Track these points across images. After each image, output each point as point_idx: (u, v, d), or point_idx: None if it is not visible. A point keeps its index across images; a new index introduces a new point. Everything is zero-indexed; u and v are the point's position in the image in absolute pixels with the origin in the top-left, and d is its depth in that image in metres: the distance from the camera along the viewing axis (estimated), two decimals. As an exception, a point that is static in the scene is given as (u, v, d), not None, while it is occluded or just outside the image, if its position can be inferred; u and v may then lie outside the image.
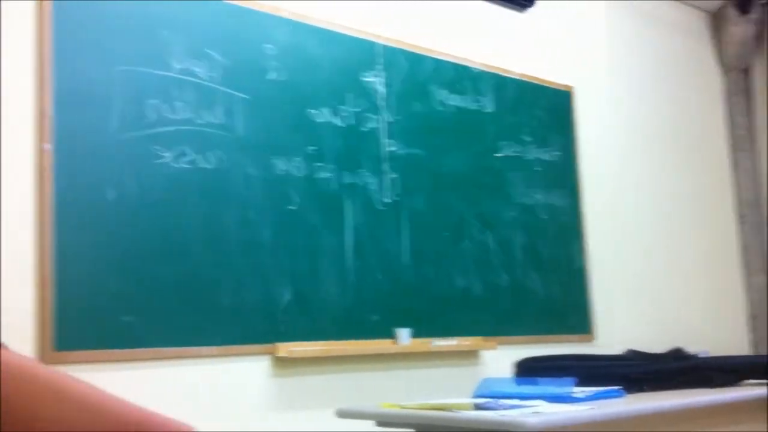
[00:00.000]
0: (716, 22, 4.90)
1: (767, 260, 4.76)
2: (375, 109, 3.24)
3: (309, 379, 2.93)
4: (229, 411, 2.70)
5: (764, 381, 2.89)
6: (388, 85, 3.29)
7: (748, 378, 2.85)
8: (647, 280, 4.21)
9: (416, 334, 3.19)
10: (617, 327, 3.88)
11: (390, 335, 3.14)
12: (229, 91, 2.81)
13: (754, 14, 4.76)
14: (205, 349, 2.64)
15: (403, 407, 2.36)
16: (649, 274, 4.23)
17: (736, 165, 4.86)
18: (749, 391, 2.71)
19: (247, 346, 2.74)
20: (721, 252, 4.70)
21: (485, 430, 2.07)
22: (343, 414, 2.36)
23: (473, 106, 3.60)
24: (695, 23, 4.86)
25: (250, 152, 2.84)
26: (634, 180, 4.28)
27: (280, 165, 2.92)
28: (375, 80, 3.25)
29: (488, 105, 3.65)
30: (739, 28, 4.76)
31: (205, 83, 2.76)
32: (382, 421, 2.32)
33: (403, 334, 3.16)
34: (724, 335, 4.46)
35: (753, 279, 4.73)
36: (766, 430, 2.93)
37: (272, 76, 2.95)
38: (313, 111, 3.05)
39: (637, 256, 4.19)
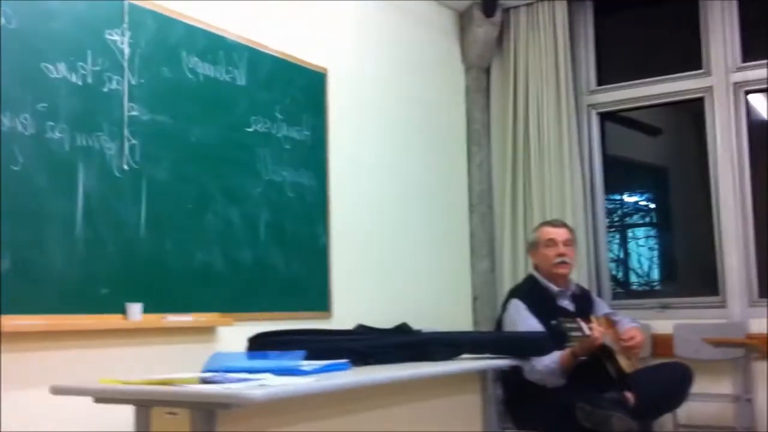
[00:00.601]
0: (463, 21, 5.21)
1: (490, 247, 5.18)
2: (118, 69, 3.07)
3: (30, 356, 2.72)
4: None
5: (479, 356, 3.15)
6: (133, 46, 3.12)
7: (465, 353, 3.08)
8: (385, 260, 4.40)
9: (150, 310, 3.07)
10: (354, 305, 4.01)
11: (121, 310, 3.00)
12: (-55, 32, 2.52)
13: (497, 17, 5.13)
14: None
15: (123, 382, 2.27)
16: (387, 255, 4.42)
17: (471, 158, 5.22)
18: (465, 364, 2.94)
19: (-46, 318, 2.49)
20: (453, 237, 5.03)
21: (210, 404, 2.04)
22: (57, 391, 2.22)
23: (225, 78, 3.53)
24: (444, 20, 5.14)
25: (-32, 103, 2.57)
26: (378, 164, 4.45)
27: (5, 121, 2.67)
28: (119, 39, 3.08)
29: (241, 78, 3.60)
30: (483, 30, 5.11)
31: None
32: (101, 397, 2.22)
33: (134, 309, 3.02)
34: (451, 314, 4.78)
35: (478, 263, 5.12)
36: (480, 399, 3.20)
37: (1, 21, 2.69)
38: (48, 65, 2.83)
39: (377, 237, 4.37)
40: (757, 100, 4.98)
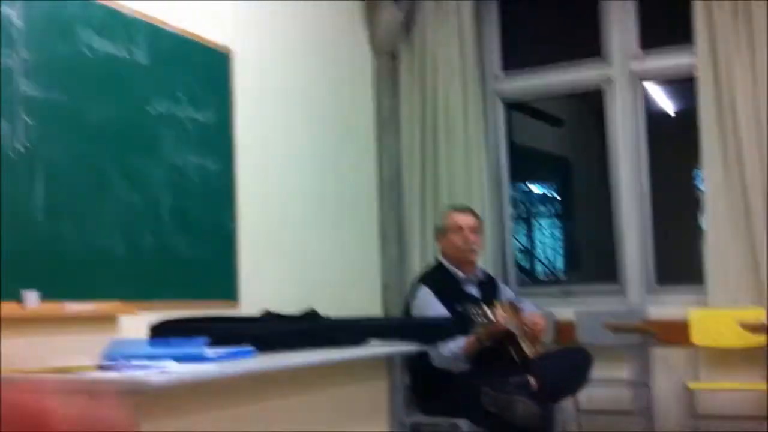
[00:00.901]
0: (370, 5, 5.17)
1: (400, 234, 5.18)
2: (10, 43, 2.89)
3: None
4: None
5: (386, 342, 3.15)
6: (26, 19, 2.95)
7: (372, 339, 3.07)
8: (294, 248, 4.34)
9: (48, 297, 2.92)
10: (262, 292, 3.93)
11: (18, 297, 2.85)
12: None
13: (404, 3, 5.12)
14: None
15: (18, 371, 2.16)
16: (296, 243, 4.37)
17: (380, 145, 5.21)
18: (372, 350, 2.92)
19: None
20: (362, 225, 5.02)
21: (107, 391, 1.96)
22: (-61, 381, 2.08)
23: (125, 55, 3.38)
24: (352, 5, 5.10)
25: None
26: (286, 149, 4.38)
27: None
28: (11, 12, 2.90)
29: (142, 56, 3.46)
30: (390, 15, 5.09)
31: None
32: (-11, 386, 2.09)
33: (31, 297, 2.88)
34: (361, 302, 4.76)
35: (387, 251, 5.13)
36: (387, 386, 3.20)
37: None
38: (-71, 38, 2.65)
39: (286, 224, 4.31)
40: (654, 90, 5.16)
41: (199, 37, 3.78)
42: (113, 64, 3.31)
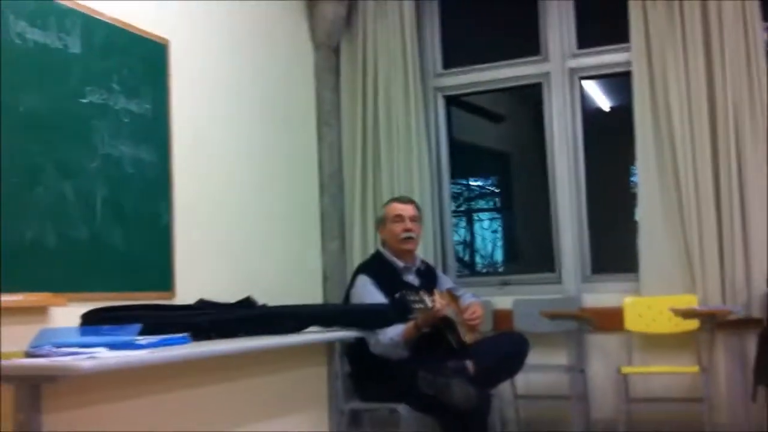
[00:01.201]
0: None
1: (341, 227, 5.19)
2: (-65, 30, 2.83)
3: None
4: None
5: (325, 329, 3.16)
6: (-49, 5, 2.89)
7: (311, 326, 3.07)
8: (233, 240, 4.31)
9: (-25, 289, 2.86)
10: (199, 284, 3.88)
11: (-56, 289, 2.78)
12: None
13: (346, -4, 5.12)
14: None
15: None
16: (235, 235, 4.33)
17: (321, 138, 5.21)
18: (309, 336, 2.93)
19: None
20: (304, 218, 5.00)
21: (34, 377, 1.93)
22: None
23: (58, 45, 3.32)
24: (293, -2, 5.09)
25: None
26: (225, 141, 4.34)
27: None
28: (-65, -3, 2.84)
29: (75, 46, 3.40)
30: (331, 8, 5.09)
31: None
32: None
33: (-42, 288, 2.81)
34: (301, 295, 4.74)
35: (328, 244, 5.13)
36: (326, 373, 3.20)
37: None
38: None
39: (225, 217, 4.27)
40: (590, 87, 5.27)
41: (135, 28, 3.74)
42: (46, 54, 3.26)
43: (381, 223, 3.69)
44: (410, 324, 3.24)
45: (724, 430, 4.35)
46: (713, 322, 4.18)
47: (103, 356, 2.03)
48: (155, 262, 3.74)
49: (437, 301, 3.20)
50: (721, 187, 4.37)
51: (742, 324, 4.30)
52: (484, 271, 6.17)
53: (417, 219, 3.69)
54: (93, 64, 3.49)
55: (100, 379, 2.12)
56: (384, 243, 3.69)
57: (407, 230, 3.58)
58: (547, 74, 5.00)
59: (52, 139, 3.26)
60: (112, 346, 2.21)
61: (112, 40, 3.59)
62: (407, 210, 3.65)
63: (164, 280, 3.78)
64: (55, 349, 2.11)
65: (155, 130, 3.81)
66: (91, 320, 2.63)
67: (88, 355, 2.01)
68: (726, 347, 4.40)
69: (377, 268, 3.56)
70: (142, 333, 2.42)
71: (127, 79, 3.66)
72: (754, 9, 4.37)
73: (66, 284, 3.24)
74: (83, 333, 2.44)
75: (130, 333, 2.38)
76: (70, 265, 3.29)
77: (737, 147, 4.34)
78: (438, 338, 3.33)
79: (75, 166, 3.35)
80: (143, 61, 3.77)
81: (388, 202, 3.78)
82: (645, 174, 4.59)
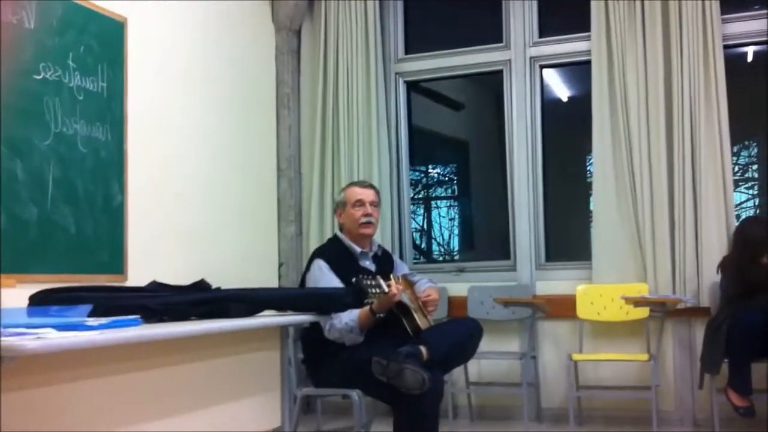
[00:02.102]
0: (273, -20, 5.12)
1: (298, 212, 5.18)
2: None
3: None
4: None
5: (279, 312, 3.14)
6: None
7: (265, 309, 3.06)
8: (188, 223, 4.27)
9: None
10: (153, 267, 3.83)
11: None
12: None
13: (307, -21, 5.08)
14: None
15: None
16: (190, 218, 4.29)
17: (280, 121, 5.17)
18: (263, 320, 2.91)
19: None
20: (260, 201, 4.97)
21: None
22: None
23: (11, 20, 3.25)
24: (254, -21, 5.03)
25: None
26: (182, 123, 4.29)
27: None
28: None
29: (29, 21, 3.33)
30: (292, -9, 5.06)
31: None
32: None
33: None
34: (257, 279, 4.72)
35: (285, 229, 5.11)
36: (279, 357, 3.20)
37: None
38: None
39: (180, 199, 4.23)
40: (551, 77, 5.31)
41: (92, 4, 3.67)
42: (-2, 28, 3.18)
43: (340, 206, 3.65)
44: (365, 309, 3.23)
45: (670, 417, 4.46)
46: (663, 310, 4.27)
47: (51, 337, 1.99)
48: (107, 244, 3.69)
49: (393, 287, 3.20)
50: (674, 178, 4.44)
51: (691, 313, 4.40)
52: (441, 258, 6.20)
53: (377, 204, 3.67)
54: (48, 40, 3.42)
55: (50, 360, 2.08)
56: (341, 227, 3.67)
57: (367, 215, 3.57)
58: (508, 62, 5.02)
59: (3, 116, 3.18)
60: (61, 327, 2.17)
61: (68, 17, 3.53)
62: (368, 195, 3.62)
63: (116, 263, 3.73)
64: (1, 330, 2.07)
65: (110, 109, 3.75)
66: (40, 301, 2.58)
67: (35, 336, 1.97)
68: (675, 336, 4.50)
69: (334, 252, 3.55)
70: (93, 314, 2.38)
71: (83, 57, 3.60)
72: (714, 2, 4.43)
73: (15, 265, 3.18)
74: (31, 314, 2.40)
75: (80, 314, 2.35)
76: (19, 246, 3.23)
77: (692, 139, 4.42)
78: (392, 323, 3.34)
79: (26, 144, 3.29)
80: (100, 38, 3.71)
81: (348, 186, 3.74)
82: (600, 164, 4.65)
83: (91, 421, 2.21)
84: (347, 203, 3.60)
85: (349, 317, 3.24)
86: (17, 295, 3.02)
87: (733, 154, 4.71)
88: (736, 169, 5.28)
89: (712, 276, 4.27)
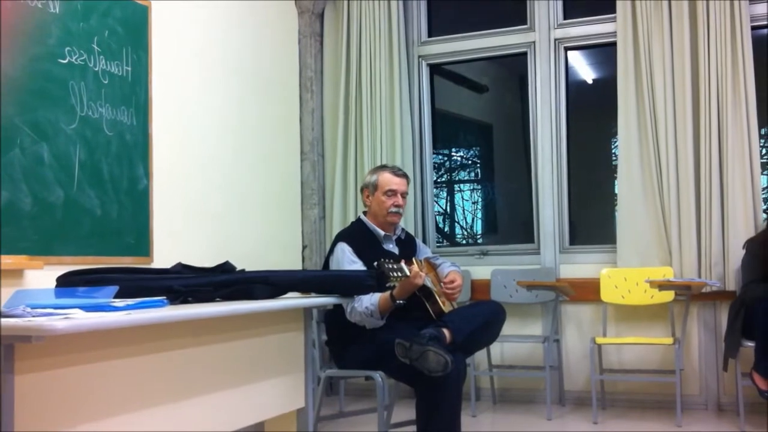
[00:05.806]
0: (296, -35, 5.12)
1: (321, 195, 5.19)
2: None
3: None
4: None
5: (303, 295, 3.15)
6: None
7: (289, 292, 3.08)
8: (213, 206, 4.30)
9: (-50, 251, 2.84)
10: (178, 250, 3.88)
11: None
12: None
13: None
14: None
15: None
16: (215, 201, 4.32)
17: (303, 105, 5.18)
18: (286, 302, 2.93)
19: None
20: (284, 185, 4.99)
21: (8, 336, 1.92)
22: None
23: (37, 4, 3.27)
24: (275, -39, 5.03)
25: None
26: (208, 107, 4.31)
27: None
28: None
29: (54, 5, 3.35)
30: (315, -26, 5.05)
31: None
32: None
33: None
34: (281, 262, 4.76)
35: (308, 212, 5.12)
36: (303, 339, 3.21)
37: None
38: None
39: (205, 182, 4.25)
40: (575, 59, 5.26)
41: (116, -12, 3.69)
42: (23, 13, 3.20)
43: (369, 188, 3.60)
44: (386, 294, 3.24)
45: (695, 400, 4.43)
46: (688, 294, 4.23)
47: (78, 317, 2.02)
48: (133, 226, 3.73)
49: (415, 270, 3.20)
50: (701, 161, 4.40)
51: (717, 296, 4.36)
52: (464, 241, 6.19)
53: (406, 193, 3.65)
54: (73, 24, 3.44)
55: (75, 340, 2.11)
56: (368, 209, 3.65)
57: (398, 206, 3.55)
58: (532, 44, 4.98)
59: (29, 100, 3.22)
60: (88, 308, 2.20)
61: (92, 1, 3.54)
62: (401, 185, 3.58)
63: (142, 245, 3.77)
64: (29, 310, 2.10)
65: (135, 93, 3.78)
66: (67, 282, 2.62)
67: (63, 316, 2.00)
68: (700, 319, 4.47)
69: (357, 235, 3.55)
70: (119, 296, 2.41)
71: (108, 41, 3.62)
72: (740, -17, 4.36)
73: (42, 248, 3.22)
74: (58, 295, 2.43)
75: (106, 295, 2.38)
76: (45, 228, 3.27)
77: (719, 121, 4.37)
78: (415, 306, 3.35)
79: (52, 128, 3.32)
80: (124, 23, 3.73)
81: (382, 170, 3.65)
82: (625, 146, 4.60)
83: (116, 401, 2.24)
84: (378, 188, 3.56)
85: (369, 301, 3.25)
86: (44, 276, 3.07)
87: (761, 136, 4.64)
88: (764, 152, 5.21)
89: (738, 259, 4.22)
